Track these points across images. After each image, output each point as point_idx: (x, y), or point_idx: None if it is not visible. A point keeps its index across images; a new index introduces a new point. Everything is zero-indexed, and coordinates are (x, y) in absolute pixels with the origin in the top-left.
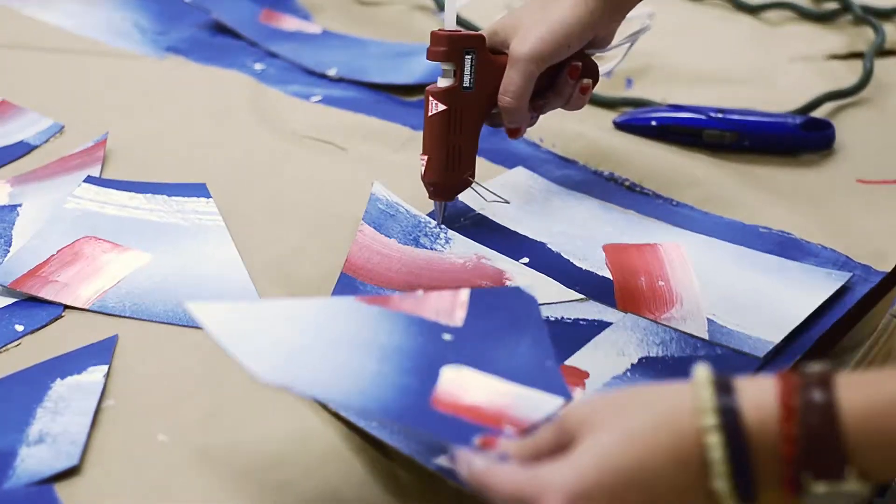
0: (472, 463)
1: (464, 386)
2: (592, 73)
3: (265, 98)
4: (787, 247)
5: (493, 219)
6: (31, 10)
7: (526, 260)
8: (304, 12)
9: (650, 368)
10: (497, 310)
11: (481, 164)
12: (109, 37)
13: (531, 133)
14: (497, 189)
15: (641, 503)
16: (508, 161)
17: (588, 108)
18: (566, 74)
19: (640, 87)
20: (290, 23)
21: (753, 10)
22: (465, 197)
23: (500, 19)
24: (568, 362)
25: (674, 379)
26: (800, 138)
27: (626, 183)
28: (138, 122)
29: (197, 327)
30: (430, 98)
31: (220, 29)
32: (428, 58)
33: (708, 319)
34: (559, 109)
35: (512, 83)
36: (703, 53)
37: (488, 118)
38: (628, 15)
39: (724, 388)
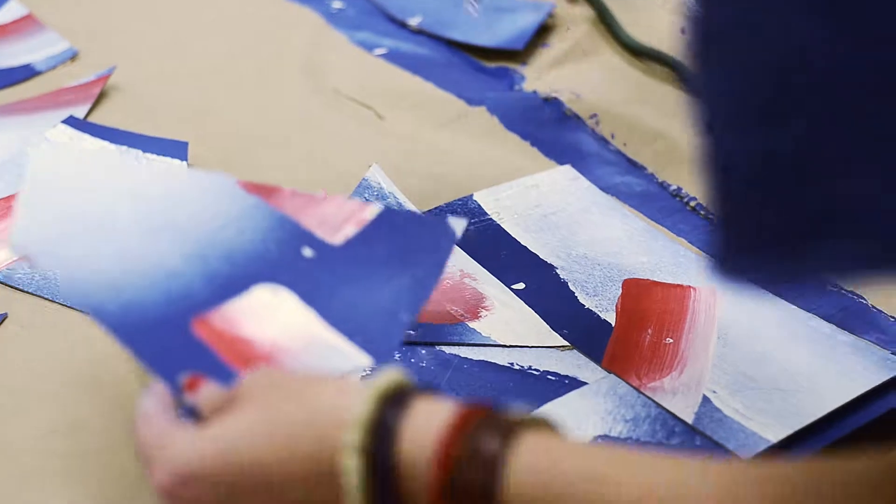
0: (141, 402)
1: (261, 313)
2: None
3: (324, 44)
4: (850, 312)
5: (506, 228)
6: None
7: (521, 286)
8: None
9: None
10: (400, 237)
11: (531, 153)
12: None
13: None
14: (532, 191)
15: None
16: (565, 156)
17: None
18: None
19: None
20: None
21: None
22: (483, 198)
23: None
24: None
25: None
26: None
27: (692, 203)
28: (166, 55)
29: None
30: None
31: None
32: None
33: (704, 397)
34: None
35: None
36: None
37: None
38: None
39: (395, 402)
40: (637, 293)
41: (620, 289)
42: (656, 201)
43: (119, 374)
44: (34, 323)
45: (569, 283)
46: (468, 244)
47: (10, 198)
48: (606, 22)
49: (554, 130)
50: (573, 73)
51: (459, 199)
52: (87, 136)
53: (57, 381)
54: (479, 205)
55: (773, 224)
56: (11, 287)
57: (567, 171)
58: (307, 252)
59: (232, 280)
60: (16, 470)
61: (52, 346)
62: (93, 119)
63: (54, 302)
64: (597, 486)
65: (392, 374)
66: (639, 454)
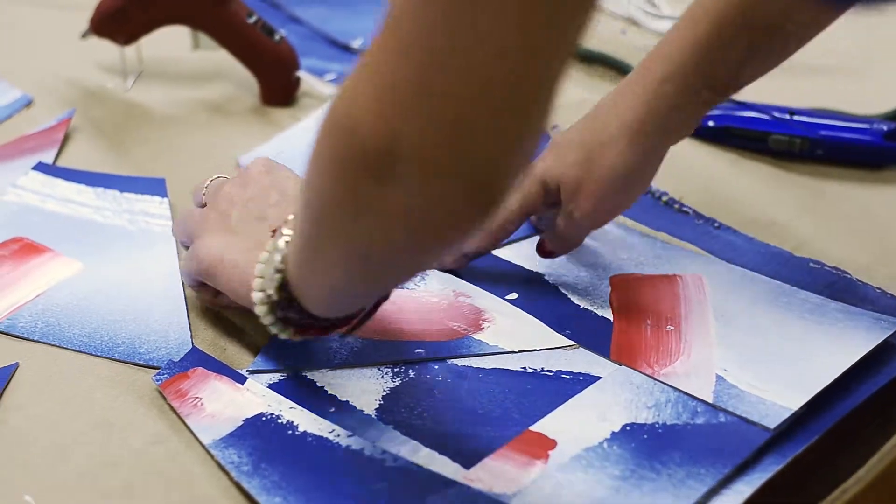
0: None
1: None
2: None
3: None
4: (837, 288)
5: None
6: None
7: (515, 296)
8: None
9: (633, 438)
10: None
11: None
12: None
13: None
14: None
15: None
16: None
17: None
18: None
19: None
20: None
21: None
22: None
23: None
24: (535, 427)
25: (661, 456)
26: (882, 150)
27: (664, 198)
28: (119, 95)
29: (112, 359)
30: None
31: None
32: None
33: (717, 376)
34: None
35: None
36: None
37: None
38: None
39: None
40: (627, 287)
41: (609, 286)
42: None
43: (140, 411)
44: (48, 370)
45: (560, 287)
46: None
47: None
48: None
49: None
50: None
51: None
52: (60, 181)
53: (85, 423)
54: None
55: None
56: (16, 336)
57: None
58: None
59: None
60: None
61: (71, 391)
62: (62, 163)
63: (61, 347)
64: None
65: None
66: None
